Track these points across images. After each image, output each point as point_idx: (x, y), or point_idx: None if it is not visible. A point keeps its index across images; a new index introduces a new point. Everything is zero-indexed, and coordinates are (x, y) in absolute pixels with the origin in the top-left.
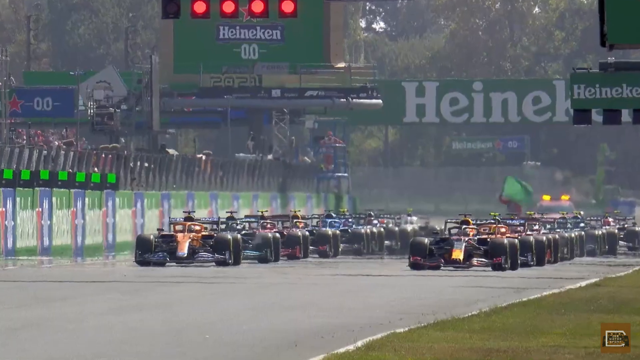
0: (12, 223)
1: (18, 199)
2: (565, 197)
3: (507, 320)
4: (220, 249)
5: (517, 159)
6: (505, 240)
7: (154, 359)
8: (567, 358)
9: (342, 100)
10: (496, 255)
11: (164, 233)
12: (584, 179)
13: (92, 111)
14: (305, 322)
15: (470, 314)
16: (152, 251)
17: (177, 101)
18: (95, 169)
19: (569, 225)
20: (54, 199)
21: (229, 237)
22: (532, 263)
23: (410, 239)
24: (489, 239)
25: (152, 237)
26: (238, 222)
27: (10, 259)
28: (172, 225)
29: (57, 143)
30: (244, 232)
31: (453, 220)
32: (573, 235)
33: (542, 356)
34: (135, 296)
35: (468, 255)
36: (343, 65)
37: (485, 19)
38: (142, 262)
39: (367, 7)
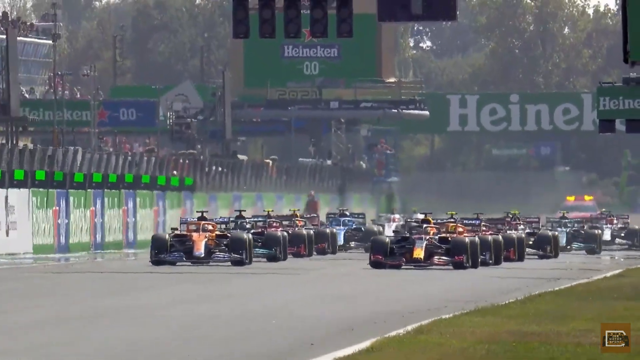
0: (101, 220)
1: (106, 200)
2: (588, 198)
3: (540, 307)
4: (236, 248)
5: (549, 164)
6: (467, 239)
7: (232, 341)
8: (593, 341)
9: (393, 111)
10: (457, 254)
11: (178, 233)
12: (609, 181)
13: (171, 121)
14: (357, 310)
15: (507, 301)
16: (168, 251)
17: (247, 112)
18: (175, 172)
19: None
20: (137, 200)
21: (245, 236)
22: (490, 262)
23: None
24: (450, 238)
25: (167, 236)
26: (247, 221)
27: (98, 252)
28: (185, 225)
29: (140, 150)
30: (252, 231)
31: (413, 220)
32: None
33: (571, 339)
34: (208, 286)
35: (429, 254)
36: (394, 80)
37: (521, 39)
38: (157, 261)
39: (415, 28)
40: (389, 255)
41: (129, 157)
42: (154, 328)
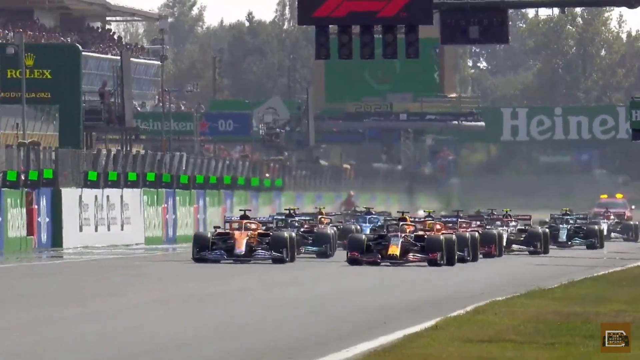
0: (203, 216)
1: (207, 199)
2: (619, 196)
3: (581, 291)
4: (277, 246)
5: (588, 168)
6: (442, 237)
7: (324, 318)
8: (627, 319)
9: (453, 122)
10: (432, 251)
11: (221, 231)
12: None
13: (263, 131)
14: (417, 294)
15: (552, 286)
16: (210, 249)
17: (328, 123)
18: (267, 175)
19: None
20: (234, 199)
21: (286, 235)
22: (468, 258)
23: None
24: (425, 236)
25: (209, 234)
26: (296, 218)
27: None
28: (228, 224)
29: (236, 155)
30: (302, 229)
31: (391, 218)
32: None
33: (608, 318)
34: (285, 274)
35: (405, 251)
36: (454, 95)
37: (564, 60)
38: (199, 259)
39: (473, 50)
40: (366, 252)
41: (227, 162)
42: (256, 308)
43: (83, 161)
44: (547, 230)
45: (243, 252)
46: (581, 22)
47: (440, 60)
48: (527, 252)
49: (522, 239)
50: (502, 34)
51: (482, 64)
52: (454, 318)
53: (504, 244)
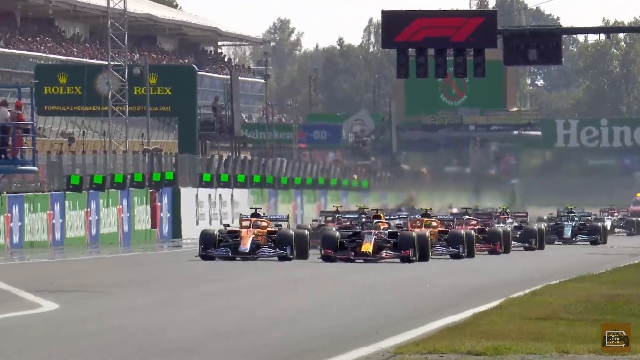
0: (301, 212)
1: (304, 197)
2: None
3: (625, 276)
4: (282, 244)
5: (630, 171)
6: (414, 234)
7: (409, 297)
8: None
9: (514, 132)
10: (404, 248)
11: (230, 229)
12: None
13: (351, 139)
14: (480, 280)
15: (600, 271)
16: (216, 246)
17: (408, 133)
18: (355, 177)
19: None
20: (328, 197)
21: (291, 232)
22: (463, 254)
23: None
24: (399, 233)
25: (216, 232)
26: (344, 216)
27: None
28: (240, 221)
29: (329, 161)
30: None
31: (364, 216)
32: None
33: None
34: (355, 265)
35: (378, 248)
36: (515, 109)
37: (609, 78)
38: (205, 256)
39: (531, 70)
40: (339, 249)
41: (321, 166)
42: (348, 290)
43: (199, 165)
44: (542, 227)
45: (247, 250)
46: (624, 45)
47: (503, 79)
48: (522, 249)
49: (517, 236)
50: (557, 56)
51: (539, 82)
52: (515, 299)
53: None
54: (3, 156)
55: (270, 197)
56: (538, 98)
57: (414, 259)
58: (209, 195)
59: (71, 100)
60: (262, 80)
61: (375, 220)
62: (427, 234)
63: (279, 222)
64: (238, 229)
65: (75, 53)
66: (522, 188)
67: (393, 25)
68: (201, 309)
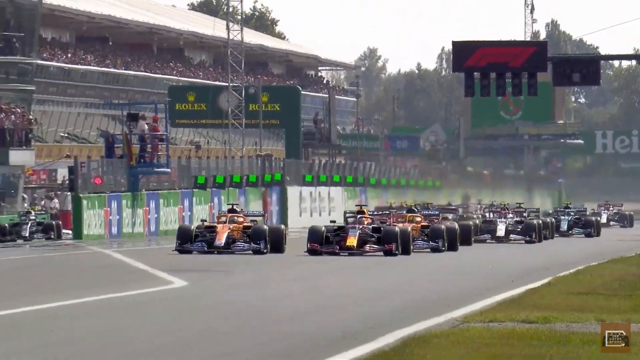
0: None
1: (389, 195)
2: None
3: None
4: (256, 238)
5: None
6: (397, 228)
7: (462, 277)
8: None
9: (561, 140)
10: (388, 242)
11: (207, 224)
12: None
13: (427, 148)
14: (527, 263)
15: (630, 255)
16: (192, 241)
17: (473, 142)
18: (430, 178)
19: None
20: (408, 195)
21: (265, 228)
22: (443, 248)
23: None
24: (382, 227)
25: (192, 227)
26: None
27: None
28: (217, 217)
29: (409, 165)
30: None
31: (349, 212)
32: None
33: None
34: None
35: (362, 242)
36: (562, 122)
37: (639, 97)
38: (181, 251)
39: (575, 89)
40: (325, 243)
41: (403, 170)
42: (416, 272)
43: (302, 168)
44: (541, 222)
45: (222, 244)
46: None
47: (551, 97)
48: (523, 241)
49: (519, 229)
50: (596, 79)
51: (581, 99)
52: (561, 277)
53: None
54: (142, 160)
55: (361, 193)
56: (580, 113)
57: (396, 252)
58: (310, 192)
59: (198, 115)
60: (354, 99)
61: (359, 216)
62: (409, 228)
63: (255, 218)
64: (215, 224)
65: (201, 76)
66: (567, 187)
67: (461, 53)
68: (300, 287)
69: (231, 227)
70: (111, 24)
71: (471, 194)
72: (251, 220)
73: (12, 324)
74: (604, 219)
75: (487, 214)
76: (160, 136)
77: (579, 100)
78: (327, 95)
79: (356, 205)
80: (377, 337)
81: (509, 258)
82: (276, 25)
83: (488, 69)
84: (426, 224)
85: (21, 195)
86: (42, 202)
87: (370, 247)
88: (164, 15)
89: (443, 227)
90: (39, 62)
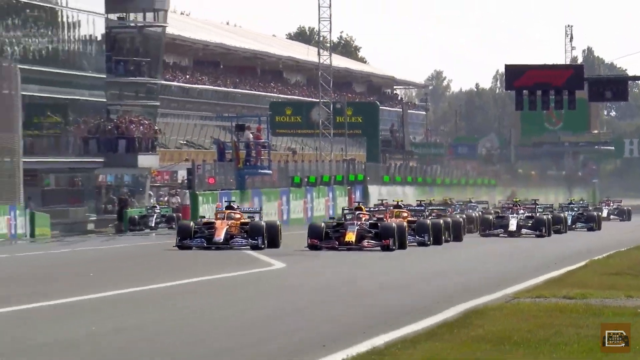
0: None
1: (452, 193)
2: None
3: None
4: (254, 234)
5: None
6: (394, 224)
7: (506, 264)
8: None
9: (595, 147)
10: (385, 238)
11: (206, 220)
12: None
13: (484, 153)
14: (560, 251)
15: None
16: (192, 237)
17: (521, 149)
18: (486, 178)
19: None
20: (467, 193)
21: (262, 224)
22: (428, 243)
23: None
24: (379, 223)
25: (192, 224)
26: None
27: None
28: (215, 214)
29: (468, 167)
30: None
31: (347, 208)
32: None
33: None
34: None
35: (360, 238)
36: (596, 131)
37: None
38: (181, 246)
39: (607, 104)
40: (324, 239)
41: (464, 171)
42: (468, 256)
43: (380, 170)
44: (549, 217)
45: (221, 240)
46: None
47: (587, 111)
48: (534, 235)
49: (529, 224)
50: (624, 95)
51: (612, 113)
52: (595, 261)
53: (515, 229)
54: (248, 163)
55: (430, 191)
56: (611, 124)
57: (393, 247)
58: (387, 190)
59: (294, 126)
60: (424, 113)
61: (357, 212)
62: (405, 224)
63: (252, 214)
64: (214, 220)
65: (297, 94)
66: (600, 186)
67: (512, 74)
68: (365, 271)
69: (229, 223)
70: (222, 50)
71: (519, 192)
72: (248, 217)
73: (136, 300)
74: (604, 214)
75: (500, 210)
76: (263, 143)
77: (610, 113)
78: (401, 110)
79: (354, 202)
80: (442, 310)
81: (532, 248)
82: (359, 51)
83: (534, 88)
84: (413, 219)
85: (148, 193)
86: (166, 198)
87: (368, 242)
88: (266, 43)
89: (428, 222)
90: (163, 82)
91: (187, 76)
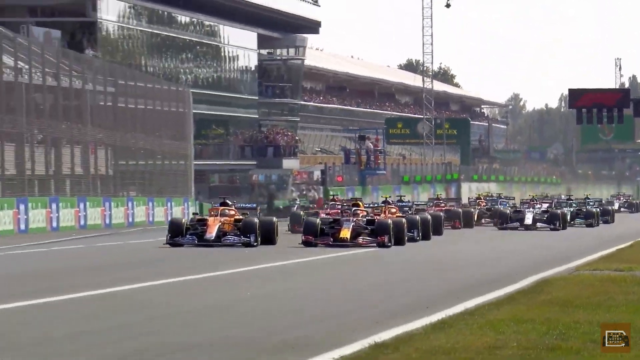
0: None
1: (526, 188)
2: None
3: None
4: (247, 231)
5: None
6: (390, 221)
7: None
8: None
9: (639, 153)
10: (381, 234)
11: (198, 217)
12: None
13: (551, 157)
14: (597, 239)
15: None
16: (183, 234)
17: (581, 155)
18: (554, 177)
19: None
20: (539, 190)
21: (256, 220)
22: (418, 238)
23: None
24: (376, 220)
25: (183, 220)
26: (413, 203)
27: None
28: (208, 210)
29: (539, 169)
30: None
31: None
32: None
33: None
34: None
35: (356, 234)
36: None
37: None
38: (172, 244)
39: None
40: (319, 235)
41: (534, 172)
42: (515, 245)
43: (471, 171)
44: (565, 211)
45: (213, 237)
46: None
47: (633, 124)
48: (548, 229)
49: (545, 218)
50: None
51: None
52: (623, 248)
53: (531, 223)
54: (368, 166)
55: (510, 187)
56: None
57: (389, 244)
58: (477, 187)
59: (404, 137)
60: (504, 126)
61: (354, 209)
62: (404, 220)
63: (247, 211)
64: (205, 217)
65: (406, 111)
66: None
67: (574, 96)
68: (445, 250)
69: (222, 220)
70: (348, 77)
71: (578, 188)
72: (242, 214)
73: (227, 279)
74: (616, 206)
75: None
76: (379, 150)
77: None
78: (487, 124)
79: (351, 199)
80: (518, 281)
81: (583, 235)
82: (454, 78)
83: (591, 107)
84: (401, 214)
85: (290, 188)
86: (304, 192)
87: (363, 239)
88: (382, 72)
89: (418, 217)
90: (302, 102)
91: (321, 98)
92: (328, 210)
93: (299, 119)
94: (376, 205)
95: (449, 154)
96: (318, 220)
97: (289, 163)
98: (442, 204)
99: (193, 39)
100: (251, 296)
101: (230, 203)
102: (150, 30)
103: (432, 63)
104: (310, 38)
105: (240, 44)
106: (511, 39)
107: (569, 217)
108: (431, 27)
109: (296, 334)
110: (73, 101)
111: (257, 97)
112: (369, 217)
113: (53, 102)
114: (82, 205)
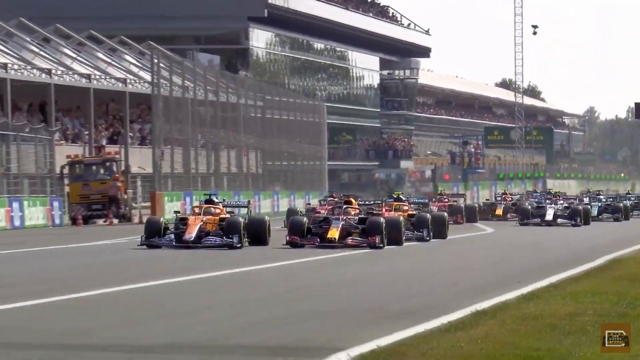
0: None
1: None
2: None
3: None
4: (230, 232)
5: None
6: (382, 219)
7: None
8: None
9: None
10: (372, 234)
11: (181, 216)
12: None
13: (620, 158)
14: (621, 235)
15: None
16: (161, 235)
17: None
18: (622, 174)
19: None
20: (588, 185)
21: (240, 220)
22: (427, 238)
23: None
24: (367, 219)
25: (161, 220)
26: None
27: None
28: (192, 208)
29: (610, 167)
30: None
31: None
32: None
33: None
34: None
35: (346, 234)
36: None
37: None
38: (149, 245)
39: None
40: (306, 235)
41: (607, 171)
42: (542, 239)
43: (554, 170)
44: (587, 207)
45: (192, 238)
46: None
47: None
48: (569, 225)
49: (566, 214)
50: None
51: None
52: None
53: (551, 218)
54: (470, 166)
55: (587, 183)
56: None
57: (380, 245)
58: (559, 183)
59: (499, 142)
60: (582, 133)
61: (345, 206)
62: (401, 218)
63: (236, 209)
64: (187, 215)
65: (501, 121)
66: None
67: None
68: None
69: (204, 219)
70: (453, 93)
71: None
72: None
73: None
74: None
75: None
76: (479, 153)
77: None
78: (567, 132)
79: (343, 195)
80: (596, 259)
81: (614, 230)
82: (540, 93)
83: None
84: (413, 212)
85: (407, 184)
86: (417, 187)
87: (352, 239)
88: (481, 88)
89: (428, 216)
90: (416, 114)
91: (431, 110)
92: (319, 207)
93: (413, 128)
94: (372, 202)
95: (536, 156)
96: (305, 220)
97: (405, 164)
98: (446, 200)
99: (327, 62)
100: (365, 273)
101: (216, 200)
102: (292, 55)
103: (522, 81)
104: (422, 61)
105: (366, 66)
106: (588, 61)
107: (596, 212)
108: (522, 52)
109: (410, 304)
110: (229, 113)
111: (379, 110)
112: (362, 216)
113: (213, 113)
114: (236, 198)
